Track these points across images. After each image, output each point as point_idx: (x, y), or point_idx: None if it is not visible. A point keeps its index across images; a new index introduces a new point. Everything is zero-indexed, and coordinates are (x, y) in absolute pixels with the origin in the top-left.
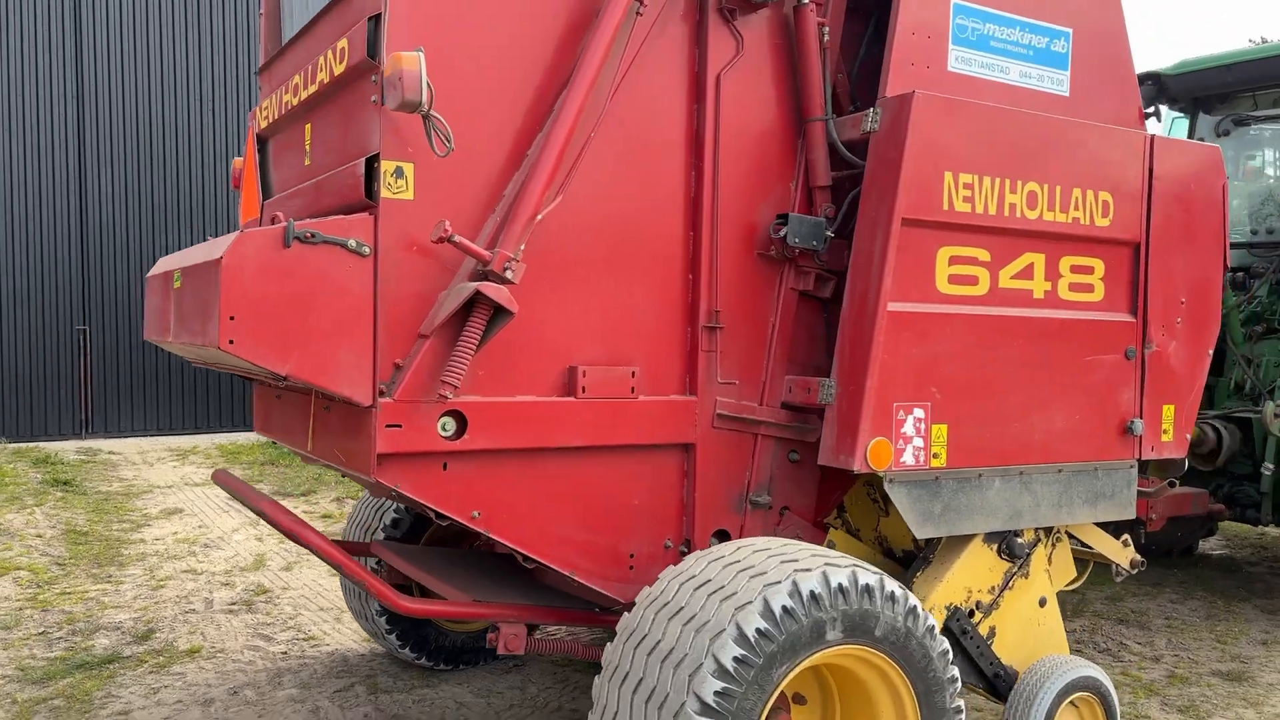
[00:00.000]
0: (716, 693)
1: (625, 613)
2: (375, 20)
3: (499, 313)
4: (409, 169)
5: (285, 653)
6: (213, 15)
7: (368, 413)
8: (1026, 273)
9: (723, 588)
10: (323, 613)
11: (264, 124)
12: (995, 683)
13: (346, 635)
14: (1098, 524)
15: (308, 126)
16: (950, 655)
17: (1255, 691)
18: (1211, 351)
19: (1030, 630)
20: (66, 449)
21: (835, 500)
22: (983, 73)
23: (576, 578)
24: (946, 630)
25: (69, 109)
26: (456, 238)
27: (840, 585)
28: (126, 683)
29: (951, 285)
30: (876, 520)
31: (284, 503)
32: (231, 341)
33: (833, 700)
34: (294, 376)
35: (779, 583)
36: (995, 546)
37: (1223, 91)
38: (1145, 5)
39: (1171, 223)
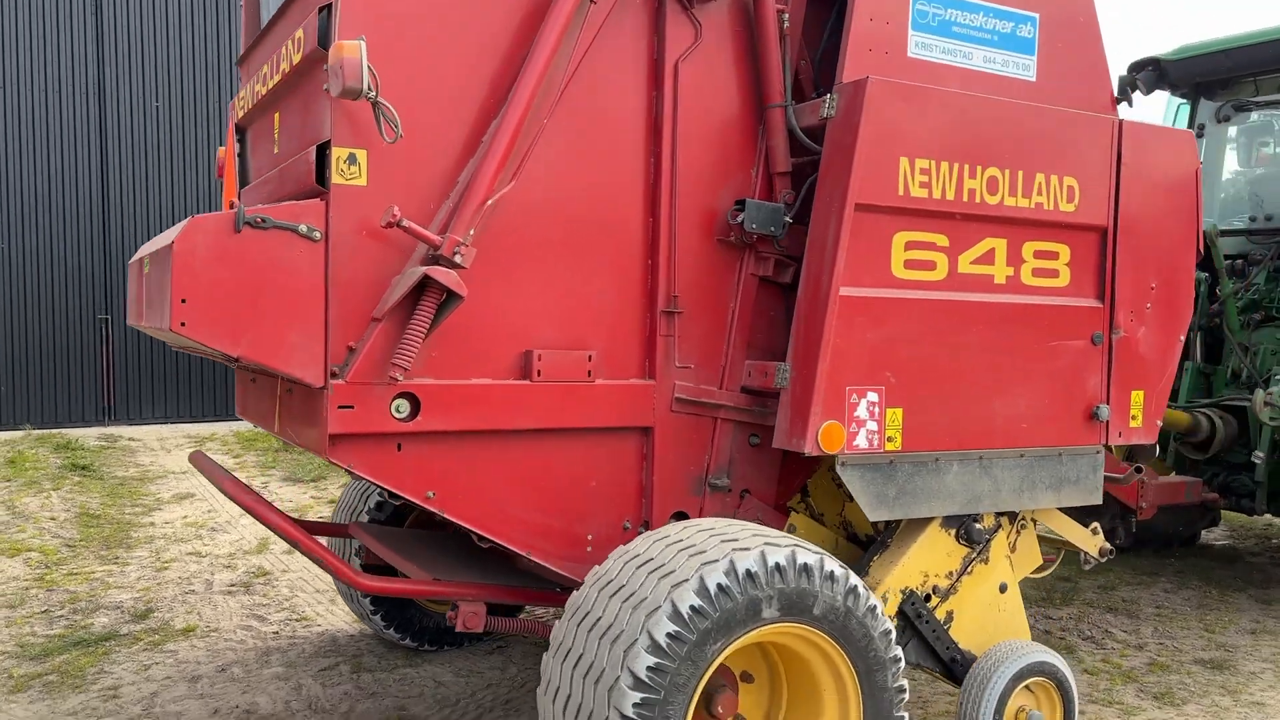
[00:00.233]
0: (649, 668)
1: (575, 591)
2: (326, 10)
3: (449, 297)
4: (362, 155)
5: (277, 633)
6: (235, 7)
7: (321, 394)
8: (987, 258)
9: (663, 566)
10: (318, 594)
11: (241, 114)
12: (952, 667)
13: (339, 617)
14: (1068, 511)
15: (276, 115)
16: (893, 635)
17: (1235, 680)
18: (1184, 337)
19: (990, 616)
20: (88, 435)
21: (798, 484)
22: (944, 58)
23: (533, 558)
24: (901, 613)
25: (91, 100)
26: (405, 222)
27: (777, 564)
28: (120, 660)
29: (908, 270)
30: (841, 505)
31: (294, 488)
32: (183, 324)
33: (780, 678)
34: (245, 358)
35: (716, 561)
36: (953, 531)
37: (1223, 77)
38: None
39: (1141, 208)
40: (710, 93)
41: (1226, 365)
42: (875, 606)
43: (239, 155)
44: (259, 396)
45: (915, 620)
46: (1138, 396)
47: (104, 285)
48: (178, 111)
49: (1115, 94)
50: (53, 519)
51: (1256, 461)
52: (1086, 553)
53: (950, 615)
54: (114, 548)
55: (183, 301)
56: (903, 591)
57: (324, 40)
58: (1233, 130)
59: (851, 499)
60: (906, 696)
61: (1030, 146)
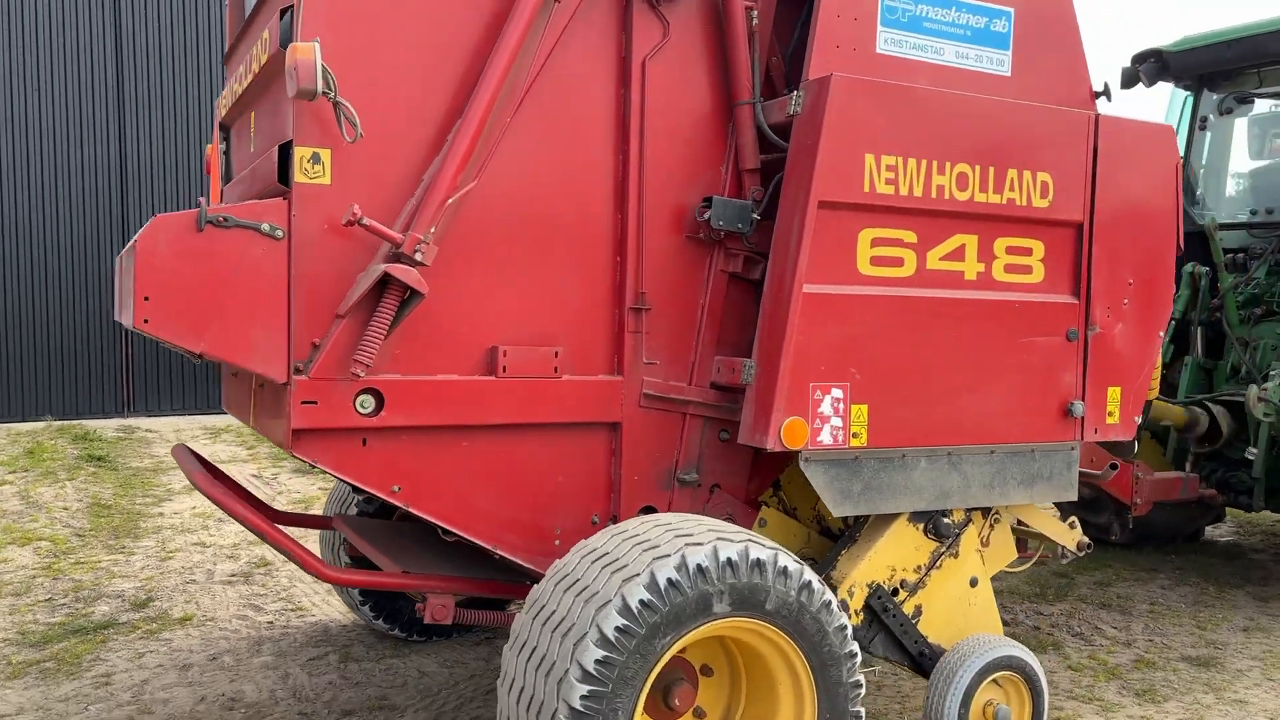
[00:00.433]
0: (597, 661)
1: (535, 584)
2: (288, 11)
3: (411, 294)
4: (326, 155)
5: (271, 622)
6: None
7: (285, 389)
8: (957, 254)
9: (616, 560)
10: (316, 585)
11: (223, 111)
12: (920, 660)
13: (334, 607)
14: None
15: (252, 114)
16: (849, 630)
17: (1221, 677)
18: (1163, 333)
19: (960, 610)
20: (107, 427)
21: (770, 478)
22: (915, 54)
23: (499, 552)
24: (867, 607)
25: (110, 96)
26: (366, 220)
27: (729, 559)
28: (116, 647)
29: (874, 267)
30: (815, 499)
31: (304, 480)
32: (146, 321)
33: (739, 672)
34: (209, 355)
35: (668, 556)
36: (921, 526)
37: (1226, 68)
38: None
39: (1119, 203)
40: (679, 90)
41: (1227, 361)
42: (830, 601)
43: (224, 152)
44: (239, 390)
45: (882, 614)
46: (1114, 393)
47: None
48: (195, 107)
49: (1094, 88)
50: (65, 509)
51: (1250, 458)
52: (1064, 547)
53: (919, 609)
54: (122, 537)
55: (146, 299)
56: (869, 586)
57: (286, 41)
58: (1240, 122)
59: None
60: (863, 691)
61: (1001, 142)
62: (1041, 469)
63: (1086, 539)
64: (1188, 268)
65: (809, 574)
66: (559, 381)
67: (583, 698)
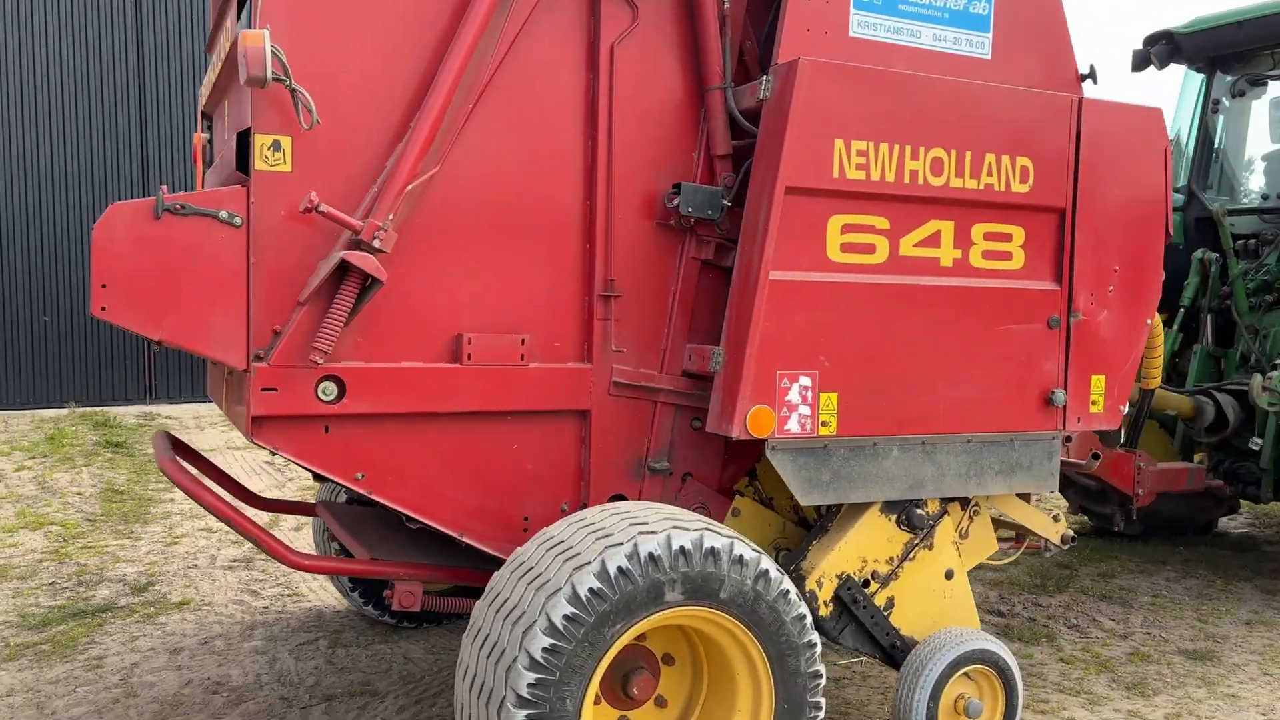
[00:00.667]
0: (545, 649)
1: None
2: (244, 1)
3: (371, 281)
4: (287, 142)
5: (267, 608)
6: None
7: (245, 376)
8: (932, 240)
9: (570, 549)
10: None
11: (204, 99)
12: (892, 653)
13: (330, 593)
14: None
15: (225, 102)
16: (808, 620)
17: (1216, 671)
18: (1150, 321)
19: (934, 603)
20: (129, 413)
21: (745, 467)
22: (890, 37)
23: (466, 539)
24: (837, 599)
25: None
26: (323, 207)
27: (682, 548)
28: (112, 631)
29: (845, 254)
30: None
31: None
32: (104, 308)
33: (701, 661)
34: (168, 342)
35: (620, 544)
36: (894, 517)
37: (1237, 50)
38: None
39: (1104, 188)
40: (649, 75)
41: (1237, 349)
42: (788, 591)
43: (208, 140)
44: (216, 377)
45: (851, 606)
46: (1098, 381)
47: None
48: None
49: (1081, 71)
50: (79, 494)
51: (1255, 448)
52: (1048, 540)
53: (891, 601)
54: (131, 523)
55: (104, 286)
56: (839, 576)
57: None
58: (1258, 104)
59: None
60: (823, 682)
61: (978, 126)
62: (1021, 459)
63: (1070, 532)
64: (1197, 254)
65: (767, 563)
66: (526, 369)
67: (530, 686)
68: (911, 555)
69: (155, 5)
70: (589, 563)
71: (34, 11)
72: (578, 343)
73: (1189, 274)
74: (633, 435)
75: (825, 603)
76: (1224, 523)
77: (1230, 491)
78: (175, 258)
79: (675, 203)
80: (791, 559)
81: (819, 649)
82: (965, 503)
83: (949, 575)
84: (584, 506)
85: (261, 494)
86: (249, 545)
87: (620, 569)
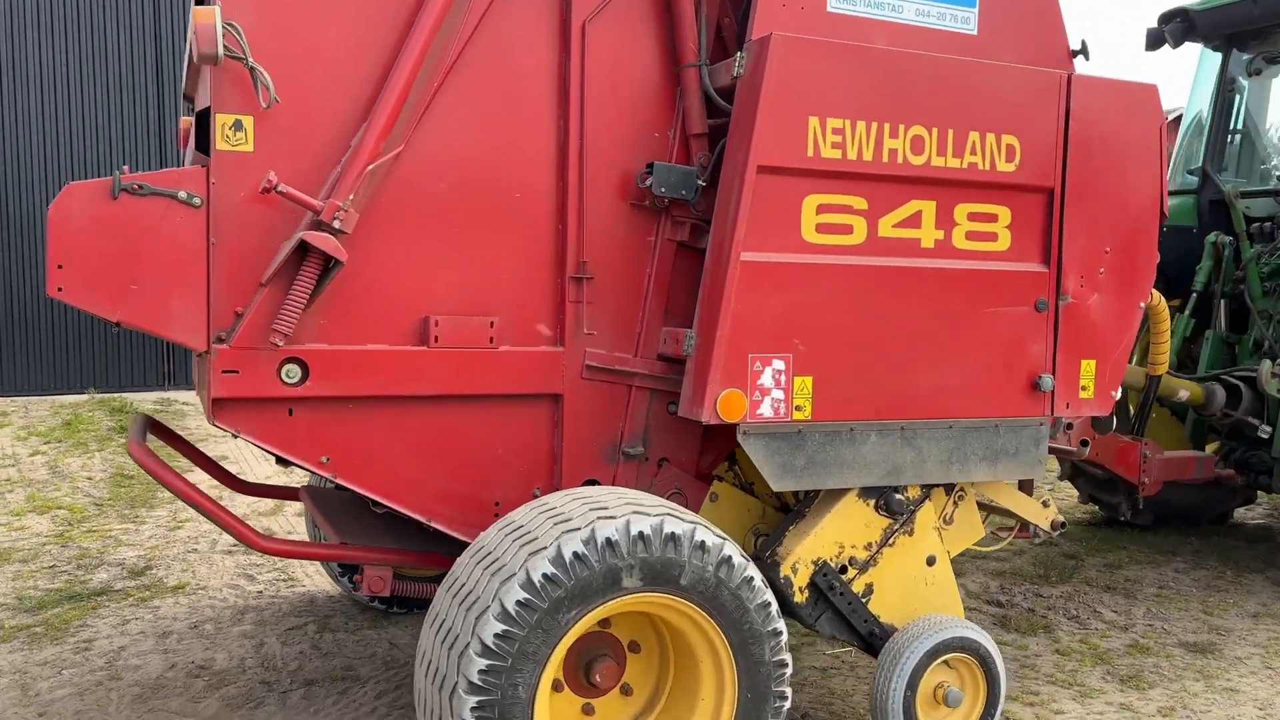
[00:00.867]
0: (496, 635)
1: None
2: None
3: (333, 262)
4: (248, 121)
5: (260, 592)
6: None
7: (207, 358)
8: (912, 221)
9: (529, 534)
10: None
11: (185, 82)
12: (871, 641)
13: (325, 579)
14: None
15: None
16: (773, 608)
17: (1216, 665)
18: (1144, 304)
19: (915, 590)
20: (146, 399)
21: (724, 452)
22: (870, 12)
23: (434, 524)
24: (813, 585)
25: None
26: (282, 187)
27: (641, 533)
28: (105, 615)
29: (820, 234)
30: None
31: None
32: (60, 289)
33: (668, 649)
34: (126, 323)
35: (577, 529)
36: (872, 502)
37: (1254, 26)
38: None
39: (1095, 167)
40: (622, 53)
41: (1250, 335)
42: (752, 578)
43: (193, 123)
44: (197, 365)
45: (828, 592)
46: (1088, 366)
47: None
48: None
49: (1073, 47)
50: (89, 478)
51: (1263, 436)
52: (1038, 527)
53: (870, 588)
54: (137, 507)
55: (59, 267)
56: (815, 562)
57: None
58: (1275, 83)
59: None
60: (789, 671)
61: (961, 103)
62: (1007, 445)
63: (1061, 518)
64: (1210, 237)
65: (730, 549)
66: (495, 352)
67: (481, 672)
68: (891, 541)
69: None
70: (545, 548)
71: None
72: (549, 325)
73: (1202, 257)
74: (606, 419)
75: (800, 589)
76: (1241, 513)
77: (1241, 481)
78: (133, 238)
79: (648, 183)
80: (768, 545)
81: (784, 637)
82: (950, 488)
83: (931, 561)
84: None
85: (268, 480)
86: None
87: (576, 554)
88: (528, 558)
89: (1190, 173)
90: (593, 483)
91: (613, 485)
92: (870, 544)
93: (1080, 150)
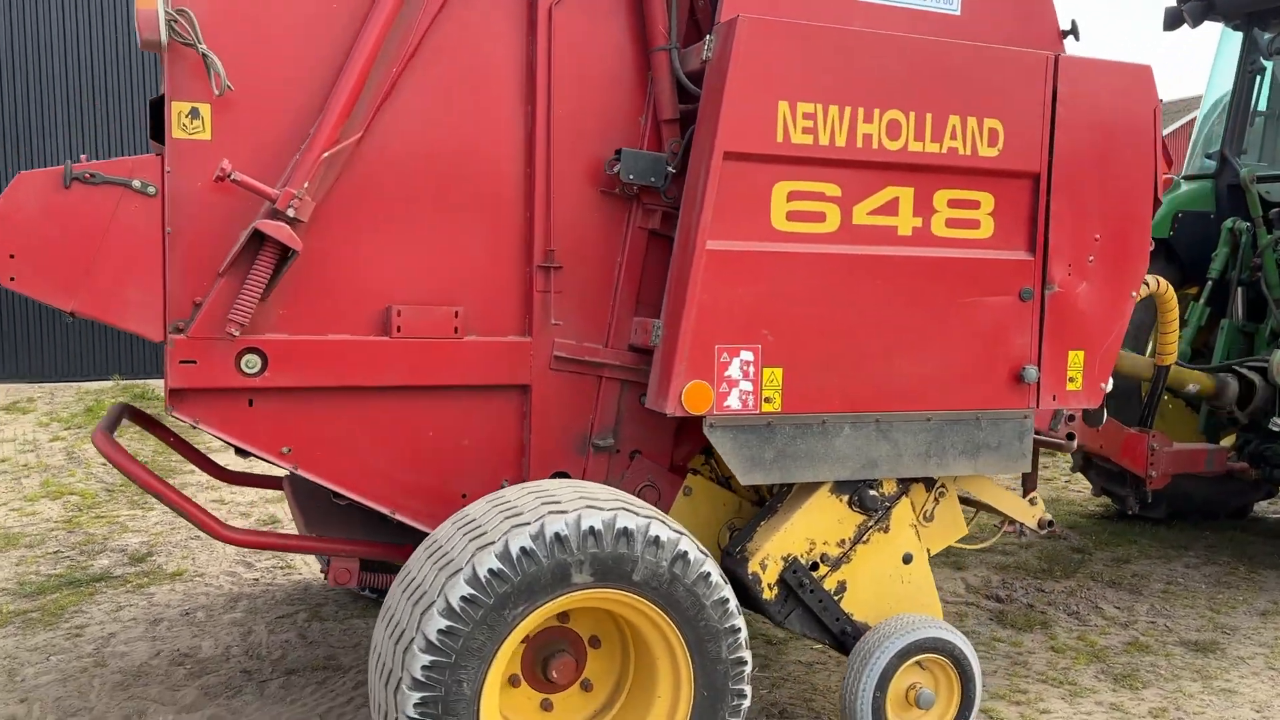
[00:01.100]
0: (440, 630)
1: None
2: None
3: (290, 251)
4: (205, 109)
5: (257, 580)
6: None
7: (164, 349)
8: (889, 208)
9: (479, 528)
10: None
11: None
12: (843, 639)
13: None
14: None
15: None
16: (731, 605)
17: (1217, 664)
18: (1136, 293)
19: (891, 588)
20: None
21: (699, 445)
22: None
23: (398, 516)
24: (782, 582)
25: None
26: (236, 175)
27: (592, 528)
28: (101, 600)
29: (791, 222)
30: None
31: None
32: (13, 279)
33: (629, 645)
34: (80, 313)
35: (526, 524)
36: (846, 498)
37: (1275, 5)
38: None
39: (1083, 151)
40: (591, 37)
41: (1268, 324)
42: (709, 574)
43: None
44: None
45: (798, 589)
46: (1076, 357)
47: None
48: None
49: (1062, 27)
50: (103, 464)
51: (1275, 429)
52: (1024, 525)
53: (842, 585)
54: (147, 494)
55: (11, 256)
56: (784, 559)
57: None
58: None
59: None
60: (748, 669)
61: (940, 86)
62: (988, 438)
63: (1049, 516)
64: (1227, 223)
65: (686, 545)
66: (460, 342)
67: (424, 668)
68: (865, 538)
69: None
70: (493, 543)
71: None
72: (517, 315)
73: (1218, 244)
74: (576, 411)
75: (769, 586)
76: (1261, 507)
77: (1255, 475)
78: (86, 227)
79: (616, 169)
80: (738, 540)
81: (743, 634)
82: (930, 484)
83: (907, 559)
84: None
85: (270, 470)
86: (257, 518)
87: (523, 549)
88: (475, 552)
89: (1209, 156)
90: (562, 475)
91: (583, 478)
92: (843, 540)
93: (1068, 134)
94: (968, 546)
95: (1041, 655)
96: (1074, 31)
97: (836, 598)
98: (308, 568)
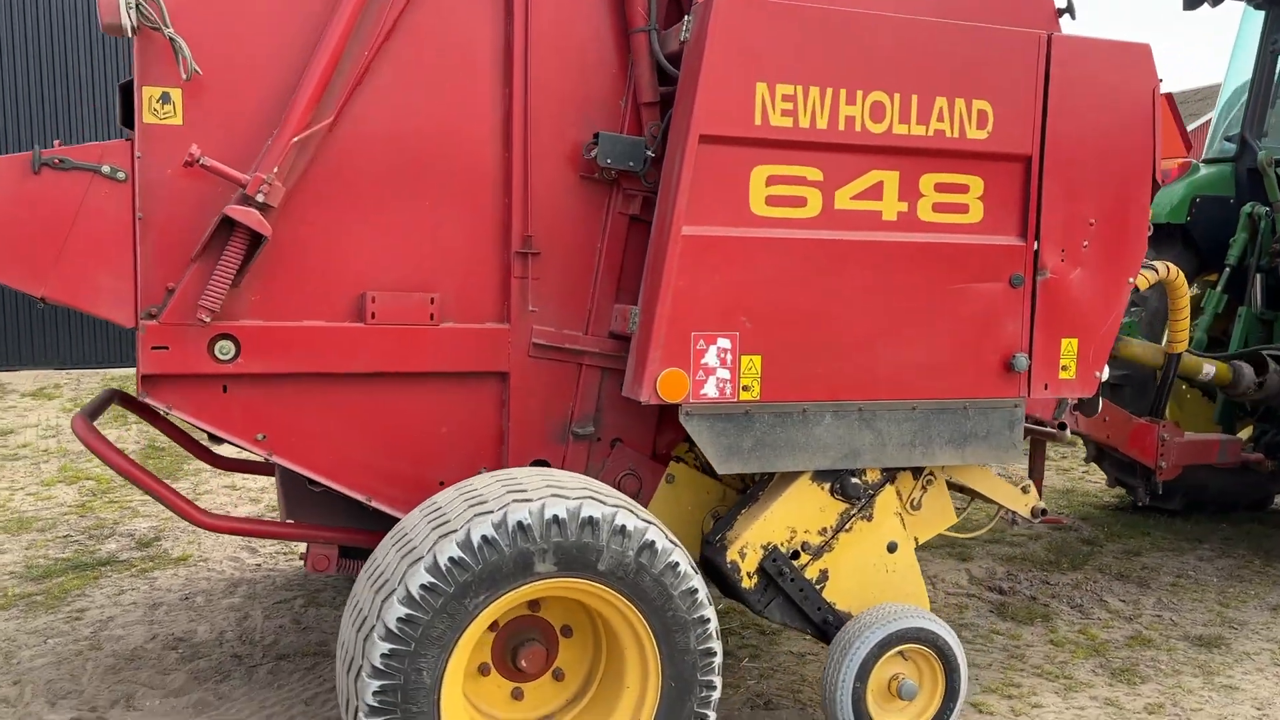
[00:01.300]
0: (400, 619)
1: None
2: None
3: (260, 237)
4: (176, 94)
5: (260, 565)
6: None
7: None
8: (873, 193)
9: (444, 517)
10: None
11: None
12: (825, 629)
13: None
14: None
15: None
16: (700, 595)
17: (1220, 660)
18: (1133, 279)
19: (875, 577)
20: None
21: (682, 432)
22: None
23: (374, 503)
24: (762, 571)
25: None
26: (205, 160)
27: (556, 517)
28: (104, 585)
29: (771, 207)
30: None
31: None
32: None
33: (601, 635)
34: (51, 299)
35: (489, 513)
36: (828, 486)
37: None
38: None
39: (1077, 134)
40: (569, 18)
41: None
42: (677, 564)
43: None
44: None
45: (777, 578)
46: (1070, 345)
47: None
48: None
49: (1058, 4)
50: (122, 449)
51: None
52: (1017, 513)
53: (824, 574)
54: (163, 478)
55: None
56: (764, 547)
57: None
58: None
59: None
60: (718, 660)
61: (926, 67)
62: (976, 427)
63: (1042, 504)
64: (1246, 208)
65: (654, 534)
66: (437, 329)
67: (383, 656)
68: (848, 526)
69: None
70: (454, 531)
71: None
72: (495, 302)
73: (1237, 229)
74: (556, 399)
75: (748, 574)
76: None
77: (1271, 466)
78: (56, 213)
79: (594, 154)
80: (718, 528)
81: (713, 625)
82: (918, 472)
83: (892, 548)
84: None
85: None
86: (267, 503)
87: (485, 538)
88: (437, 541)
89: (1228, 139)
90: (542, 463)
91: (563, 466)
92: (825, 529)
93: (1062, 116)
94: (960, 535)
95: (1040, 648)
96: (1070, 10)
97: (818, 587)
98: None
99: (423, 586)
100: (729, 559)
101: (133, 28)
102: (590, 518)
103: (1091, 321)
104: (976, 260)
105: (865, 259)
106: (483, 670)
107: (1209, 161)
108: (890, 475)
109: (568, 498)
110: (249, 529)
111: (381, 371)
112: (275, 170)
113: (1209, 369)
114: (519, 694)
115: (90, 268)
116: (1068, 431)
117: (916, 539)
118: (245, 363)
